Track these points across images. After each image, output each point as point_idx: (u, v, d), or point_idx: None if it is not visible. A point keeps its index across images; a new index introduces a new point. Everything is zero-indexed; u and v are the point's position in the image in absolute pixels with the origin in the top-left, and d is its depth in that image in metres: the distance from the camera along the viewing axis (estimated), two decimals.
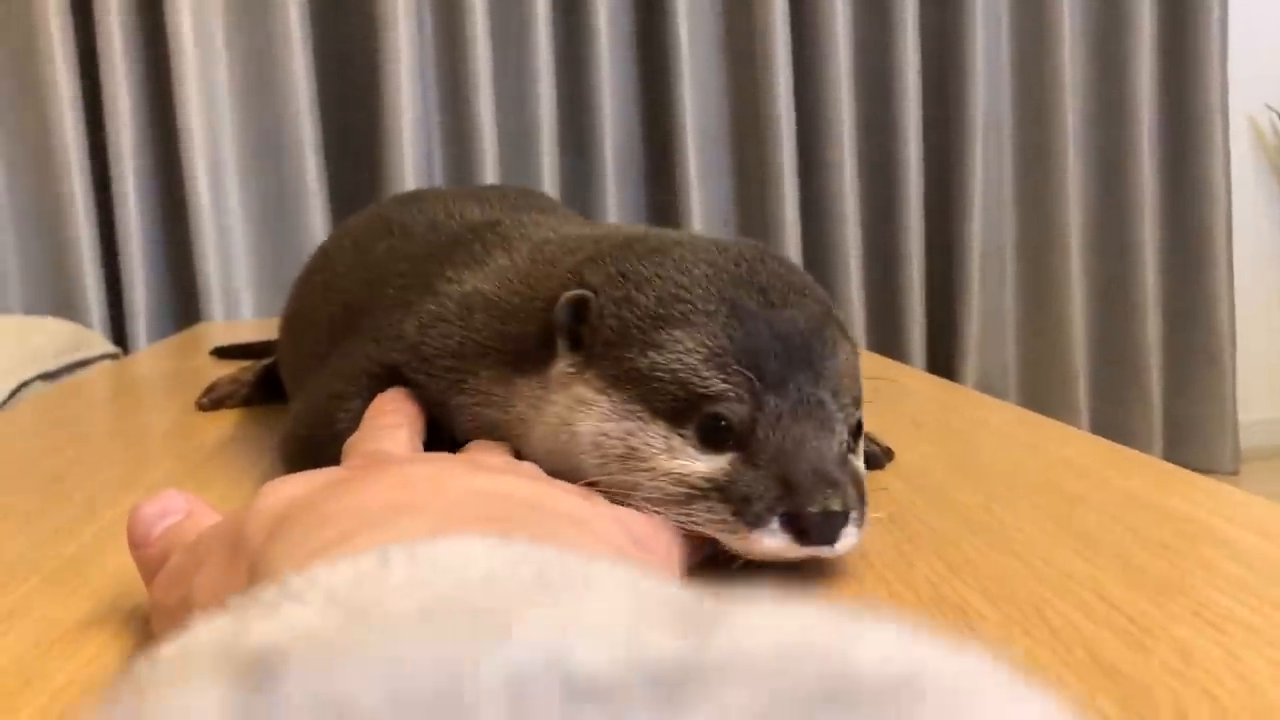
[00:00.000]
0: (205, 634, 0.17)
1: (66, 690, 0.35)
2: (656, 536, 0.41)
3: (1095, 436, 0.68)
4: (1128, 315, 2.47)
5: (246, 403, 0.84)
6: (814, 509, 0.40)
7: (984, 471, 0.61)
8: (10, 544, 0.50)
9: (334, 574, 0.19)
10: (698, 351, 0.43)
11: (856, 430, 0.45)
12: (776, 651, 0.14)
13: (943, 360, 2.41)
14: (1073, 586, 0.41)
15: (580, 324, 0.46)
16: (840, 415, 0.43)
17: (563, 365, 0.46)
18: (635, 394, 0.43)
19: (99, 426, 0.90)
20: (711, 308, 0.44)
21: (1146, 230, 2.45)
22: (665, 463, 0.42)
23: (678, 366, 0.43)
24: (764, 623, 0.15)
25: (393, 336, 0.54)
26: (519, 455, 0.48)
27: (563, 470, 0.45)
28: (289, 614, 0.17)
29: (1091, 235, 2.49)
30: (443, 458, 0.42)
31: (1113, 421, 2.46)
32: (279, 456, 0.59)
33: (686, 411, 0.42)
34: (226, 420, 0.80)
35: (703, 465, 0.42)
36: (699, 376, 0.42)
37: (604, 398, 0.44)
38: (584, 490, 0.41)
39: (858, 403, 0.45)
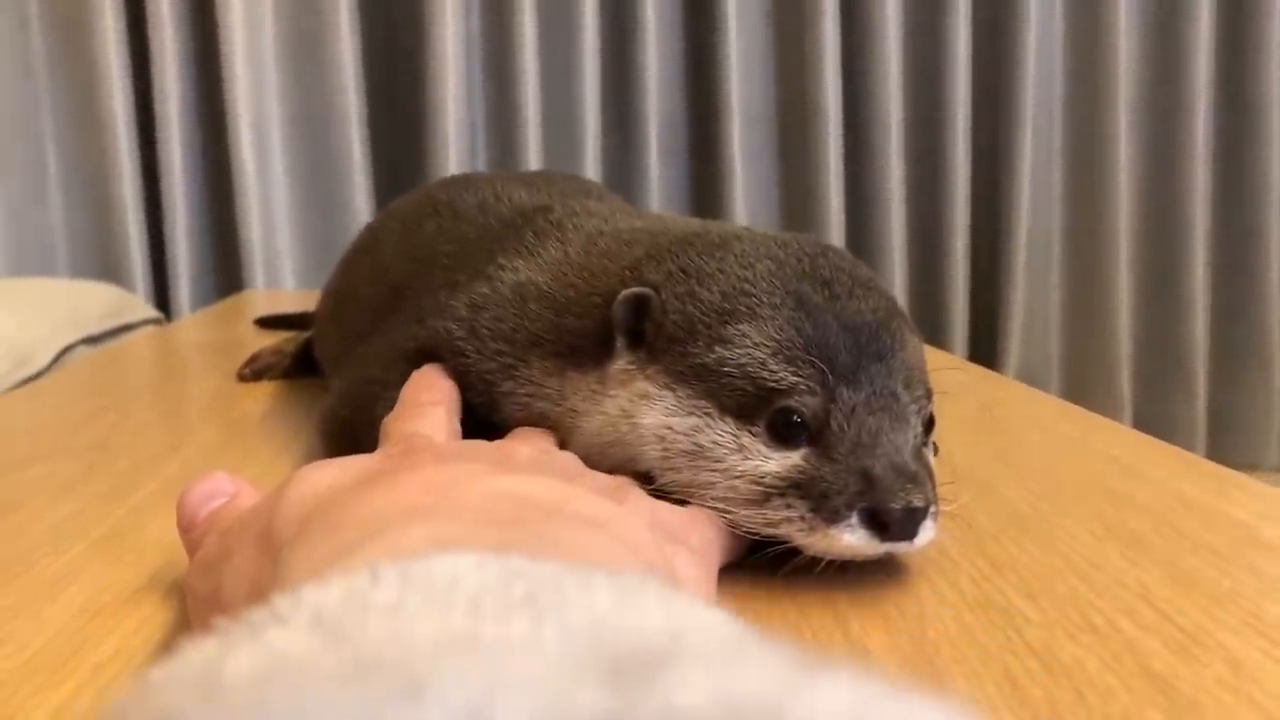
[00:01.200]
0: (192, 658, 0.18)
1: (113, 660, 0.35)
2: (691, 527, 0.40)
3: (1142, 434, 0.67)
4: (1175, 308, 2.43)
5: (287, 375, 0.84)
6: (896, 505, 0.39)
7: (1029, 467, 0.60)
8: (55, 510, 0.51)
9: (323, 594, 0.19)
10: (766, 345, 0.42)
11: (928, 424, 0.44)
12: (711, 709, 0.14)
13: (985, 348, 2.38)
14: (1120, 591, 0.40)
15: (640, 321, 0.45)
16: (914, 408, 0.43)
17: (622, 362, 0.45)
18: (702, 389, 0.43)
19: (142, 394, 0.91)
20: (777, 301, 0.43)
21: (1197, 222, 2.40)
22: (739, 463, 0.42)
23: (746, 361, 0.42)
24: (703, 675, 0.15)
25: (438, 313, 0.53)
26: (563, 445, 0.47)
27: (618, 462, 0.44)
28: (273, 638, 0.18)
29: (1140, 226, 2.44)
30: (474, 452, 0.41)
31: (1156, 415, 2.42)
32: (318, 435, 0.59)
33: (756, 407, 0.42)
34: (266, 392, 0.80)
35: (775, 464, 0.42)
36: (768, 370, 0.42)
37: (669, 393, 0.44)
38: (616, 484, 0.40)
39: (929, 395, 0.44)
